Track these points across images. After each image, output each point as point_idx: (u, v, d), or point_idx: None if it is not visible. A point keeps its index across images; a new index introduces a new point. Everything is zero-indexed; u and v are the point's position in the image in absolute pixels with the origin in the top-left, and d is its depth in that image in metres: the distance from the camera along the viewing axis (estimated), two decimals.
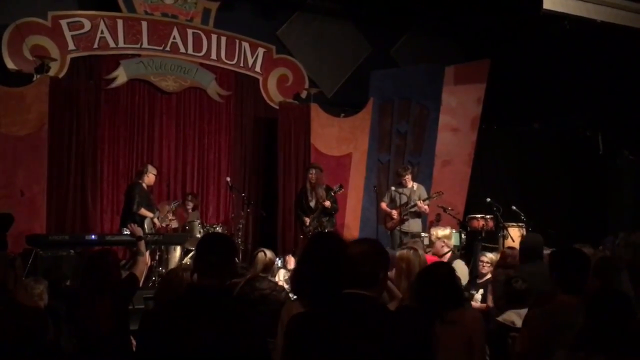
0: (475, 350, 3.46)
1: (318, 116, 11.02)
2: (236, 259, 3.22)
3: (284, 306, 3.54)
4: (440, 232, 6.88)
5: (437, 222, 10.32)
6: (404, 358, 2.42)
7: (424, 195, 9.78)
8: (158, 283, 7.49)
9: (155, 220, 8.98)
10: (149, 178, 9.03)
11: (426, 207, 9.65)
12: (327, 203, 9.47)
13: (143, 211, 8.73)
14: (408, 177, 9.81)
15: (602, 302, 2.95)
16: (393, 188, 10.18)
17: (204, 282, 2.83)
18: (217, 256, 2.84)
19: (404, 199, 9.67)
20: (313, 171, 9.63)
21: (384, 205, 9.90)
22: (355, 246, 2.68)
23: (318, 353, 2.43)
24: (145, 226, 8.61)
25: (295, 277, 3.36)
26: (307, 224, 9.45)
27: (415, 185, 9.89)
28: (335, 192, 9.65)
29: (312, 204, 9.52)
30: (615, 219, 11.86)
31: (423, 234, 9.44)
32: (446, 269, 3.81)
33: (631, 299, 3.08)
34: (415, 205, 9.55)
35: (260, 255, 4.82)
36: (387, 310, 2.65)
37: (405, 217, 9.59)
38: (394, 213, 9.63)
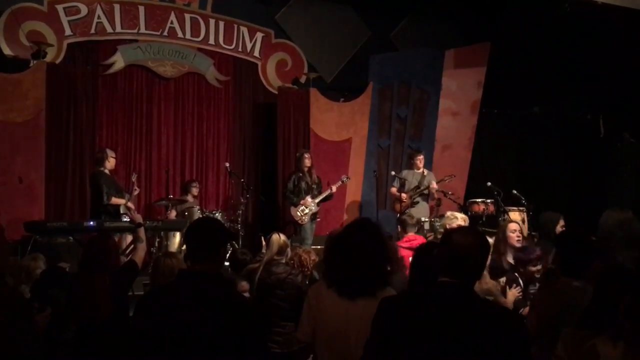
0: None
1: (317, 101, 10.96)
2: (228, 243, 3.17)
3: (311, 288, 3.49)
4: (465, 217, 6.75)
5: (438, 206, 10.32)
6: (499, 355, 2.38)
7: (435, 181, 9.95)
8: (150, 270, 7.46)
9: (129, 204, 8.68)
10: (110, 163, 8.69)
11: (436, 186, 9.82)
12: (334, 189, 9.74)
13: (114, 200, 8.46)
14: (421, 157, 10.07)
15: (607, 281, 2.94)
16: (393, 172, 10.24)
17: (194, 268, 2.83)
18: (202, 242, 2.85)
19: (415, 183, 9.89)
20: (308, 155, 9.82)
21: (393, 190, 10.06)
22: (462, 236, 2.61)
23: (412, 339, 2.41)
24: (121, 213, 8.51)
25: (334, 264, 3.27)
26: (309, 204, 9.54)
27: (426, 171, 10.12)
28: (343, 182, 9.97)
29: (309, 187, 9.64)
30: (616, 202, 11.84)
31: (423, 219, 9.42)
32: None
33: (636, 277, 3.07)
34: (427, 187, 9.75)
35: (275, 237, 4.80)
36: (488, 303, 2.60)
37: (416, 201, 9.71)
38: (405, 196, 9.72)
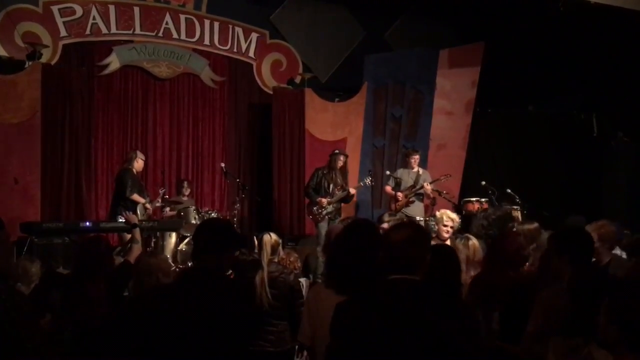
0: None
1: (312, 101, 10.99)
2: (235, 246, 3.22)
3: (311, 289, 3.58)
4: (455, 216, 6.76)
5: (433, 205, 10.33)
6: (456, 343, 2.43)
7: (430, 180, 9.87)
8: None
9: (148, 205, 8.92)
10: (138, 164, 8.97)
11: (431, 188, 9.74)
12: (353, 190, 9.44)
13: (135, 196, 8.65)
14: (416, 157, 9.95)
15: (583, 285, 2.94)
16: (388, 172, 10.26)
17: (197, 265, 2.90)
18: (207, 240, 2.92)
19: (410, 182, 9.81)
20: (342, 157, 9.43)
21: (388, 188, 10.00)
22: (398, 231, 2.68)
23: (373, 340, 2.44)
24: (138, 212, 8.57)
25: (333, 264, 3.33)
26: (324, 204, 9.19)
27: (421, 170, 10.05)
28: (363, 185, 9.75)
29: (331, 187, 9.29)
30: (610, 200, 11.92)
31: (418, 218, 9.46)
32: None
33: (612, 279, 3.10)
34: (422, 187, 9.68)
35: (267, 237, 4.80)
36: (438, 295, 2.64)
37: (411, 200, 9.69)
38: (400, 195, 9.70)
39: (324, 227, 9.14)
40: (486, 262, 4.31)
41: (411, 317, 2.42)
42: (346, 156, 9.57)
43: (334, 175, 9.35)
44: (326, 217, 9.24)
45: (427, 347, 2.39)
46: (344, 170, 9.48)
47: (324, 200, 9.21)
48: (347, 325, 2.52)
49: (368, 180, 9.75)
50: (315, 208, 9.29)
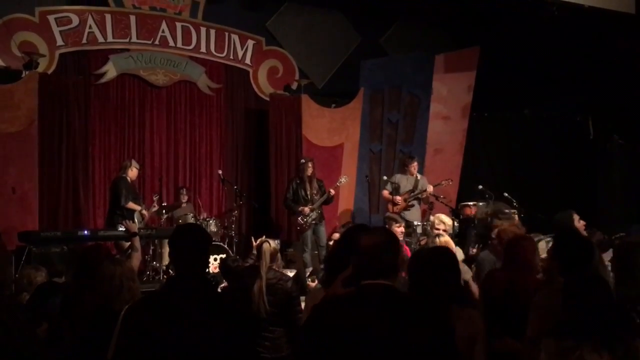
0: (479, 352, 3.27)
1: (309, 107, 11.02)
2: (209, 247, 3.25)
3: (309, 294, 3.53)
4: (447, 220, 6.81)
5: (430, 210, 10.36)
6: (430, 348, 2.43)
7: (427, 186, 9.95)
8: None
9: (144, 212, 8.99)
10: (133, 172, 9.02)
11: (432, 190, 9.87)
12: (333, 192, 9.68)
13: (131, 204, 8.70)
14: (415, 164, 10.08)
15: (580, 289, 2.96)
16: (385, 177, 10.30)
17: (184, 273, 2.93)
18: (188, 249, 2.95)
19: (409, 187, 9.91)
20: (310, 164, 9.71)
21: (386, 193, 10.07)
22: (371, 237, 2.67)
23: (340, 342, 2.44)
24: (135, 220, 8.61)
25: (332, 268, 3.32)
26: (307, 212, 9.47)
27: (419, 175, 10.16)
28: (340, 183, 9.93)
29: (309, 194, 9.57)
30: (606, 203, 11.95)
31: (416, 222, 9.49)
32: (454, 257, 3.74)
33: (607, 282, 3.12)
34: (424, 191, 9.79)
35: (266, 245, 4.82)
36: (410, 300, 2.65)
37: (410, 204, 9.77)
38: (398, 199, 9.75)
39: (309, 235, 9.52)
40: (504, 264, 4.33)
41: (380, 323, 2.42)
42: (312, 161, 9.83)
43: (307, 183, 9.64)
44: (312, 224, 9.53)
45: (393, 353, 2.39)
46: (313, 176, 9.73)
47: (307, 209, 9.51)
48: (318, 327, 2.52)
49: (343, 179, 9.99)
50: (299, 218, 9.54)
